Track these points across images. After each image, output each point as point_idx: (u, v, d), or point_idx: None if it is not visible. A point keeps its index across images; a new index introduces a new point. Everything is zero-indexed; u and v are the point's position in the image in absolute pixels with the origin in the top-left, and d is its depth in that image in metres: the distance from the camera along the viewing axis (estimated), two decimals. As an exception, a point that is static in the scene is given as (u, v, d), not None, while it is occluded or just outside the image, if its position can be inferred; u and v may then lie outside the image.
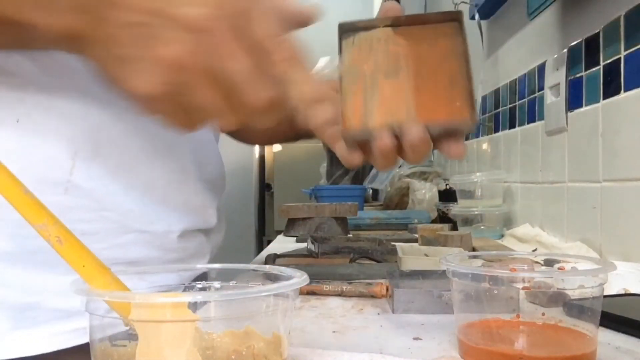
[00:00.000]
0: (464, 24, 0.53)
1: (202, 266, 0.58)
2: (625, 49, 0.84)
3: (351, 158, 0.50)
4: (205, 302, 0.32)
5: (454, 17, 0.54)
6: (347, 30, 0.56)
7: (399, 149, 0.49)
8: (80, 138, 0.54)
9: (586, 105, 0.97)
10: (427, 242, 1.00)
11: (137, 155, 0.59)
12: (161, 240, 0.59)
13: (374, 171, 2.33)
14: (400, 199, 1.89)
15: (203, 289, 0.40)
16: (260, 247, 4.78)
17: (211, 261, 0.70)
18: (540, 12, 1.09)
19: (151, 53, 0.40)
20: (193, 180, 0.66)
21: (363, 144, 0.50)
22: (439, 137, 0.49)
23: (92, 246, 0.35)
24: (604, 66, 0.90)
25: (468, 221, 1.38)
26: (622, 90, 0.84)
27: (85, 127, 0.54)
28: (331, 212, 1.37)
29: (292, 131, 0.80)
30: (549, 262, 0.53)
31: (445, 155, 0.49)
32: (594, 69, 0.93)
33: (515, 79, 1.35)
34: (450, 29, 0.54)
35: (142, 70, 0.40)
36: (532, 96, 1.23)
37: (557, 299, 0.47)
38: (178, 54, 0.39)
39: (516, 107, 1.34)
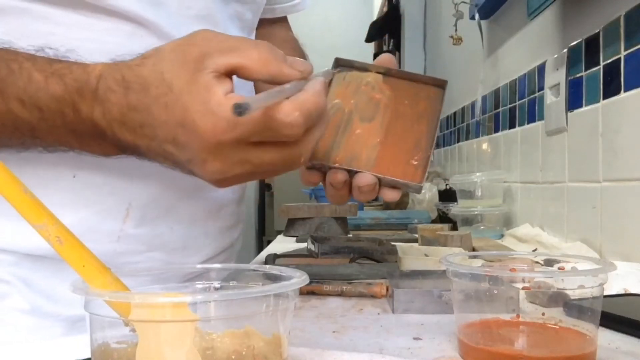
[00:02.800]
0: (445, 93, 0.58)
1: (202, 266, 0.58)
2: (625, 49, 0.84)
3: (307, 178, 0.57)
4: (205, 302, 0.32)
5: (440, 84, 0.59)
6: (342, 65, 0.61)
7: (351, 187, 0.55)
8: (135, 188, 0.56)
9: (586, 105, 0.97)
10: (427, 242, 0.99)
11: (184, 194, 0.60)
12: (200, 272, 0.60)
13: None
14: (400, 199, 1.89)
15: (203, 289, 0.40)
16: (260, 247, 4.78)
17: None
18: (540, 12, 1.09)
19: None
20: (228, 201, 0.67)
21: (322, 172, 0.56)
22: (386, 186, 0.55)
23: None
24: (604, 66, 0.90)
25: (468, 221, 1.38)
26: (622, 90, 0.84)
27: (139, 176, 0.56)
28: (331, 212, 1.37)
29: None
30: (549, 262, 0.53)
31: (380, 196, 0.56)
32: (594, 69, 0.93)
33: (515, 79, 1.35)
34: (434, 94, 0.59)
35: (200, 177, 0.47)
36: (532, 96, 1.23)
37: (557, 299, 0.47)
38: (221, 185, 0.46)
39: (516, 107, 1.34)
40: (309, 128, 0.44)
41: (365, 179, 0.54)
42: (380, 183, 0.55)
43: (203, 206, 0.63)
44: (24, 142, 0.47)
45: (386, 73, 0.59)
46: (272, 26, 0.82)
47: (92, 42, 0.50)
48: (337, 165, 0.54)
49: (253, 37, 0.72)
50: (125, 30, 0.53)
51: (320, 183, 0.57)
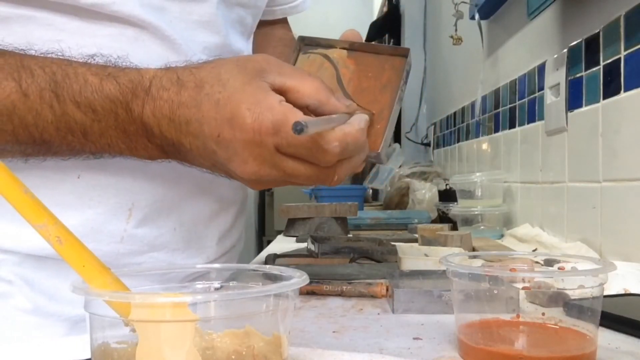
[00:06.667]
0: (410, 62, 0.58)
1: (202, 266, 0.58)
2: (625, 49, 0.84)
3: None
4: (205, 302, 0.32)
5: (404, 54, 0.59)
6: (307, 43, 0.61)
7: None
8: (139, 189, 0.56)
9: (586, 105, 0.97)
10: (427, 242, 0.99)
11: (186, 194, 0.61)
12: (200, 273, 0.60)
13: (374, 171, 2.33)
14: (400, 199, 1.89)
15: (203, 289, 0.40)
16: (260, 247, 4.78)
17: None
18: (540, 12, 1.09)
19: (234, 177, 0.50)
20: (231, 203, 0.68)
21: None
22: None
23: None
24: (604, 66, 0.90)
25: (468, 221, 1.38)
26: (622, 90, 0.84)
27: (143, 178, 0.56)
28: (331, 212, 1.37)
29: None
30: (549, 262, 0.53)
31: None
32: (594, 69, 0.93)
33: (515, 79, 1.35)
34: (398, 64, 0.59)
35: (236, 178, 0.50)
36: (532, 96, 1.23)
37: (557, 299, 0.47)
38: (252, 182, 0.48)
39: (516, 107, 1.34)
40: (344, 158, 0.47)
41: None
42: None
43: (206, 207, 0.63)
44: (73, 147, 0.48)
45: (350, 48, 0.60)
46: (271, 27, 0.82)
47: (96, 47, 0.50)
48: None
49: (251, 41, 0.72)
50: (129, 35, 0.53)
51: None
